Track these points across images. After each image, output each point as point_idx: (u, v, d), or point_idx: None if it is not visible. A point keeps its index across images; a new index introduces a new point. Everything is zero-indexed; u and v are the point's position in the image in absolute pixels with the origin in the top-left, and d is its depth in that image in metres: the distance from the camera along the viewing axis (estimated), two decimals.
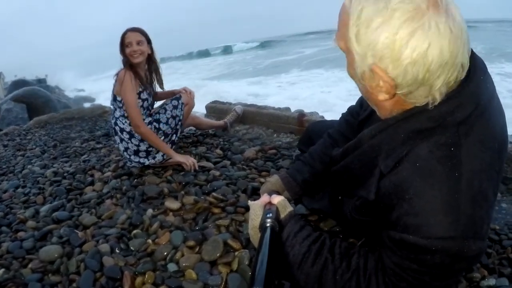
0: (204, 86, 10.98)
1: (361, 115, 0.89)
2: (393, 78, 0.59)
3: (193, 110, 2.62)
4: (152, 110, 1.99)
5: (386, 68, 0.58)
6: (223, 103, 3.08)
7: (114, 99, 1.84)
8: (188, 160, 1.76)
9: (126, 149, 1.86)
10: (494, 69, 8.83)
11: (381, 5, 0.56)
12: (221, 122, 2.54)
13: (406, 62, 0.56)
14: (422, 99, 0.61)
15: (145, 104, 1.87)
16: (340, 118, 1.06)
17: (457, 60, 0.57)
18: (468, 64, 0.60)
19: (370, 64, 0.60)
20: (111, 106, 1.92)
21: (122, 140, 1.86)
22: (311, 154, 1.04)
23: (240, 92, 10.22)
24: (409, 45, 0.55)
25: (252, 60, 21.96)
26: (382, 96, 0.63)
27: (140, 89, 1.82)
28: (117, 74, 1.81)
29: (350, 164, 0.79)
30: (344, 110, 1.08)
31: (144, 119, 1.86)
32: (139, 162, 1.85)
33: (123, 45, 1.80)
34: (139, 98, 1.82)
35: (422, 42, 0.54)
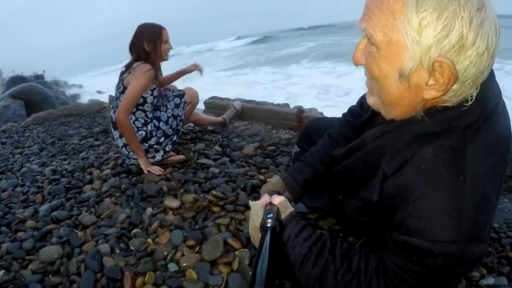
0: (233, 75, 10.98)
1: (363, 115, 0.88)
2: (457, 72, 0.55)
3: None
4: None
5: (452, 61, 0.54)
6: (221, 99, 3.07)
7: (123, 91, 1.75)
8: (151, 171, 1.75)
9: (126, 145, 1.84)
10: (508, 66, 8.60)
11: None
12: (220, 119, 2.53)
13: (474, 54, 0.53)
14: (458, 98, 0.58)
15: (155, 101, 1.85)
16: (340, 118, 1.05)
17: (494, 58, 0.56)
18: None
19: (435, 57, 0.54)
20: (116, 100, 1.84)
21: (122, 135, 1.82)
22: (312, 154, 1.04)
23: (268, 81, 10.40)
24: (479, 37, 0.52)
25: (263, 52, 21.51)
26: (431, 94, 0.58)
27: (154, 86, 1.80)
28: (132, 67, 1.74)
29: (353, 165, 0.79)
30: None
31: (147, 115, 1.83)
32: (137, 159, 1.84)
33: (158, 40, 1.76)
34: (151, 95, 1.79)
35: (487, 35, 0.52)
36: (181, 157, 1.89)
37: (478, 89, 0.59)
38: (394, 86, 0.61)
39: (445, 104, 0.61)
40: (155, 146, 1.82)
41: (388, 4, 0.56)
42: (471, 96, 0.59)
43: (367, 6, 0.60)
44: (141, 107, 1.80)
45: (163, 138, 1.84)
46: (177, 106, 1.95)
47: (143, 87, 1.70)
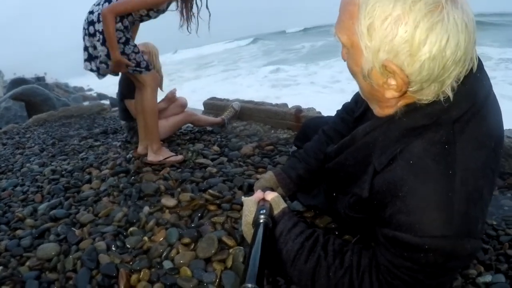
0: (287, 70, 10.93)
1: (356, 112, 0.89)
2: (407, 75, 0.56)
3: (190, 106, 2.62)
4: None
5: (401, 65, 0.55)
6: (220, 99, 3.08)
7: None
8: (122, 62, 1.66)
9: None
10: None
11: None
12: (218, 119, 2.54)
13: (424, 58, 0.54)
14: (432, 95, 0.59)
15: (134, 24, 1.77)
16: (335, 115, 1.05)
17: (469, 56, 0.56)
18: (475, 59, 0.59)
19: (383, 60, 0.56)
20: None
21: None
22: (306, 150, 1.04)
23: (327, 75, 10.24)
24: (429, 40, 0.52)
25: (284, 47, 20.98)
26: (390, 94, 0.60)
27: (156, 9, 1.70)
28: None
29: (344, 161, 0.79)
30: None
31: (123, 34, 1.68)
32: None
33: None
34: (147, 14, 1.70)
35: (442, 37, 0.52)
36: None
37: (459, 84, 0.59)
38: (364, 84, 0.65)
39: (422, 102, 0.61)
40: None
41: (349, 8, 0.59)
42: (452, 91, 0.59)
43: (339, 12, 0.63)
44: (127, 20, 1.68)
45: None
46: (138, 64, 1.77)
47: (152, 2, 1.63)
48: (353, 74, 0.66)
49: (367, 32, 0.56)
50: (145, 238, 1.21)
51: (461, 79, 0.59)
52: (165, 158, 1.87)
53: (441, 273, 0.61)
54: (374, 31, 0.55)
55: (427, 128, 0.61)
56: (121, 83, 2.26)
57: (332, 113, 1.10)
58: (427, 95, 0.60)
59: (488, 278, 0.95)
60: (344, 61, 0.68)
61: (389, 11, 0.54)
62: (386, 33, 0.54)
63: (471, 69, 0.60)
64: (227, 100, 2.99)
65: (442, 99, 0.59)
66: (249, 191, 1.46)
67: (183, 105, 2.43)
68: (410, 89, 0.59)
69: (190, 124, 2.50)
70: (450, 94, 0.59)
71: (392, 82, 0.59)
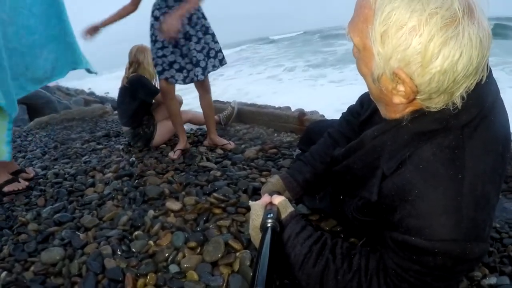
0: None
1: (362, 115, 0.89)
2: (416, 85, 0.57)
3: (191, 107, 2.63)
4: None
5: (411, 74, 0.56)
6: (223, 102, 3.08)
7: None
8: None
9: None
10: None
11: (417, 7, 0.53)
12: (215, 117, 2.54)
13: (434, 71, 0.54)
14: (440, 104, 0.60)
15: None
16: (340, 117, 1.06)
17: (480, 69, 0.56)
18: (486, 69, 0.60)
19: (394, 68, 0.57)
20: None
21: None
22: (312, 153, 1.04)
23: None
24: (441, 54, 0.53)
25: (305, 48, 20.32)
26: (398, 100, 0.61)
27: None
28: None
29: (352, 165, 0.79)
30: None
31: None
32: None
33: None
34: None
35: (455, 52, 0.53)
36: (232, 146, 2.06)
37: (471, 90, 0.59)
38: (373, 86, 0.65)
39: (429, 110, 0.62)
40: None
41: (364, 11, 0.59)
42: (461, 100, 0.59)
43: (354, 11, 0.63)
44: None
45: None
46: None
47: None
48: (362, 75, 0.66)
49: (381, 38, 0.56)
50: (151, 242, 1.21)
51: (471, 89, 0.59)
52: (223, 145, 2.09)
53: (449, 276, 0.62)
54: (388, 38, 0.56)
55: (436, 133, 0.62)
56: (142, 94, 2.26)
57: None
58: (435, 104, 0.60)
59: (493, 280, 0.95)
60: (355, 58, 0.68)
61: (405, 21, 0.54)
62: (400, 42, 0.55)
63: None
64: (229, 103, 2.99)
65: (450, 107, 0.60)
66: (254, 194, 1.46)
67: (179, 102, 2.46)
68: (419, 97, 0.60)
69: (192, 127, 2.51)
70: (459, 104, 0.59)
71: (401, 88, 0.59)
